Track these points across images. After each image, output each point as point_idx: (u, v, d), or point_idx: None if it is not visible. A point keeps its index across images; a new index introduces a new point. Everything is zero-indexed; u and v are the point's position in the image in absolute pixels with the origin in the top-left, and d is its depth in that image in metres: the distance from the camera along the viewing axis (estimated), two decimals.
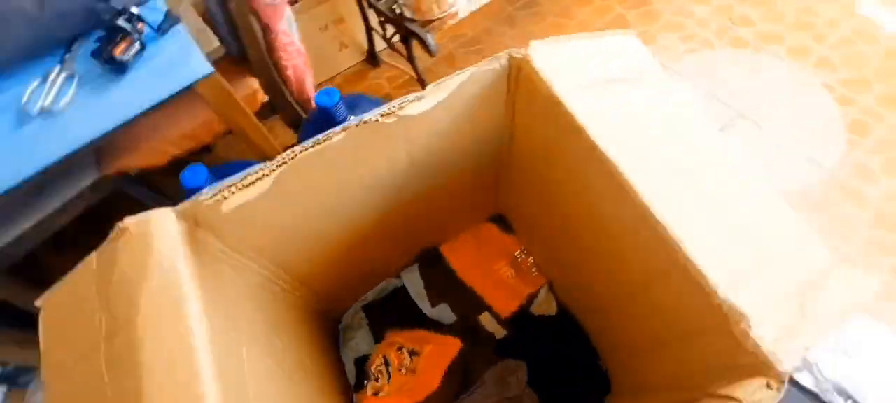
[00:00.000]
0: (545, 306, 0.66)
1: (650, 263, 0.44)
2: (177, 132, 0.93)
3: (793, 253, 0.38)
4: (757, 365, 0.32)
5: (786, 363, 0.31)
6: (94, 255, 0.37)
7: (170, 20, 0.83)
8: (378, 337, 0.66)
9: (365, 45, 1.54)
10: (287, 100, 1.18)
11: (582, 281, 0.62)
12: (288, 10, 1.08)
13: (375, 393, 0.58)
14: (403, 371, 0.57)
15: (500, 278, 0.68)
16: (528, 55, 0.51)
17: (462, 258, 0.70)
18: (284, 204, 0.47)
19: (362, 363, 0.64)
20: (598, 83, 0.49)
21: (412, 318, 0.65)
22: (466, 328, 0.64)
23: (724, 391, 0.33)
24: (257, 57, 1.05)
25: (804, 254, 0.37)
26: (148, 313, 0.34)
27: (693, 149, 0.45)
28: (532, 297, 0.67)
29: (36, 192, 0.82)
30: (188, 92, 0.78)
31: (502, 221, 0.75)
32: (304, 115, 1.24)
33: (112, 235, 0.38)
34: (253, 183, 0.42)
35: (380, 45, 1.54)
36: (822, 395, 0.74)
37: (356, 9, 1.38)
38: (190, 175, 0.74)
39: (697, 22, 1.64)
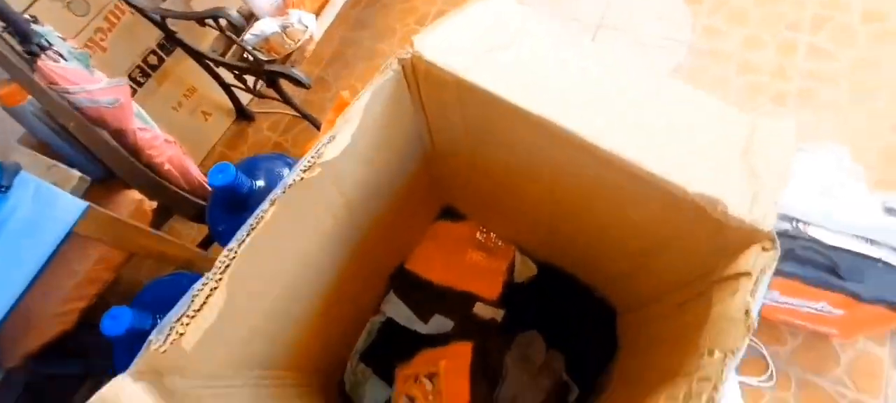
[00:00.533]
0: (525, 270, 0.68)
1: (608, 190, 0.47)
2: (72, 284, 0.81)
3: (720, 128, 0.42)
4: (745, 237, 0.35)
5: (768, 222, 0.34)
6: None
7: (8, 173, 0.70)
8: (388, 380, 0.63)
9: (230, 105, 1.43)
10: (178, 195, 1.07)
11: (548, 232, 0.64)
12: (135, 105, 0.97)
13: None
14: (431, 398, 0.55)
15: (473, 265, 0.68)
16: (416, 52, 0.51)
17: (430, 265, 0.70)
18: (245, 308, 0.43)
19: None
20: (489, 50, 0.50)
21: (412, 344, 0.64)
22: (467, 327, 0.64)
23: (728, 271, 0.37)
24: (126, 167, 0.94)
25: (728, 125, 0.42)
26: None
27: (590, 75, 0.48)
28: (511, 269, 0.68)
29: None
30: (68, 239, 0.67)
31: (451, 213, 0.76)
32: (203, 202, 1.13)
33: None
34: (204, 303, 0.38)
35: (245, 97, 1.44)
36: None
37: (203, 74, 1.28)
38: (111, 323, 0.65)
39: None
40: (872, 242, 0.87)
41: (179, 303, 0.38)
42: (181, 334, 0.36)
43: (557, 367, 0.61)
